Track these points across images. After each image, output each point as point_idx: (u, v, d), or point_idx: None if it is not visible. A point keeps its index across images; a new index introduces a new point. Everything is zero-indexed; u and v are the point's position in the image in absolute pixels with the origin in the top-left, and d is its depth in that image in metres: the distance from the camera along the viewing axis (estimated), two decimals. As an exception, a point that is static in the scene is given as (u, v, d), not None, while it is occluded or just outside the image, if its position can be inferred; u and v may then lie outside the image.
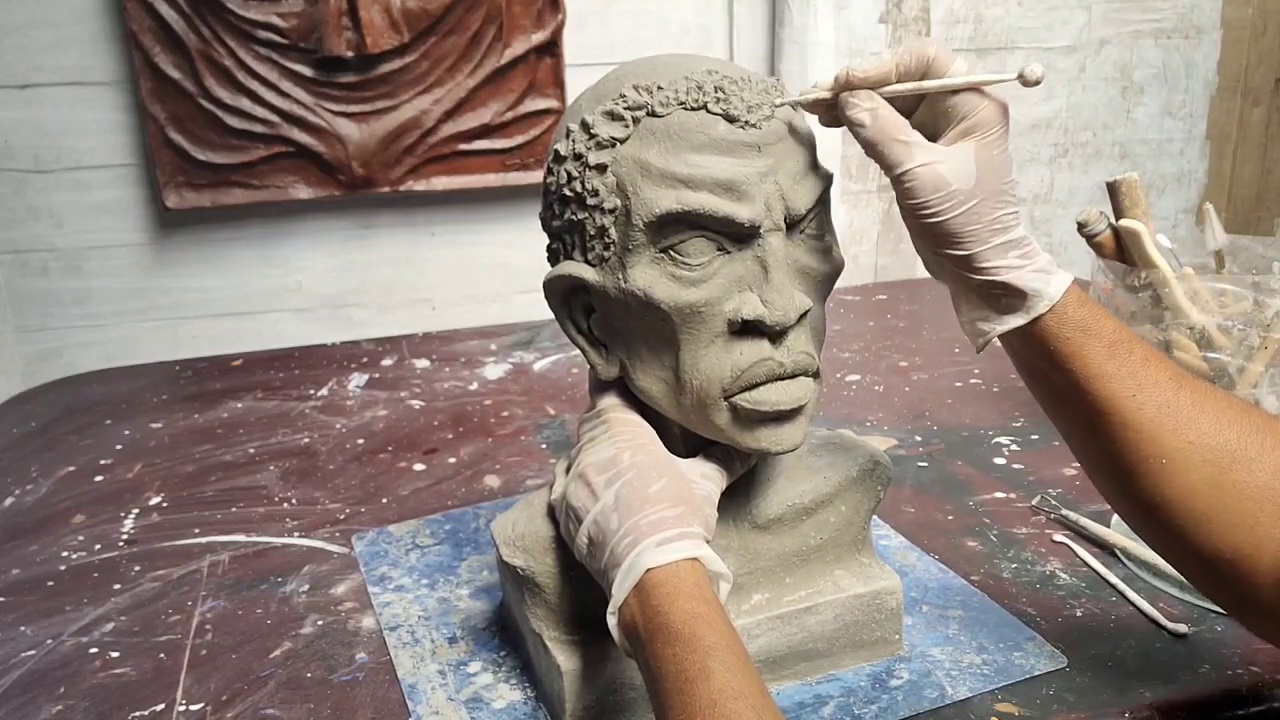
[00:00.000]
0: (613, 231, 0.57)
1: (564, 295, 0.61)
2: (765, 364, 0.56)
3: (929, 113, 0.56)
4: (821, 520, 0.66)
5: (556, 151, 0.59)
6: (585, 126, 0.57)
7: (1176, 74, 2.02)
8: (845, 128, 0.56)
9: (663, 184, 0.55)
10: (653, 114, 0.56)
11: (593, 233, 0.57)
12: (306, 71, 1.50)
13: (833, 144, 1.77)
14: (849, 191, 1.87)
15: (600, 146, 0.56)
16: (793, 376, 0.57)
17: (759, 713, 0.46)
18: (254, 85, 1.49)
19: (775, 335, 0.57)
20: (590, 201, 0.57)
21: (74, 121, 1.49)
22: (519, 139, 1.62)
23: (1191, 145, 2.08)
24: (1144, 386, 0.54)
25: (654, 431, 0.61)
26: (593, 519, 0.56)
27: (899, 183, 0.54)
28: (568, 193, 0.58)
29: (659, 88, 0.56)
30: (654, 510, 0.54)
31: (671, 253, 0.56)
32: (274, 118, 1.51)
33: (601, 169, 0.56)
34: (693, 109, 0.55)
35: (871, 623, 0.67)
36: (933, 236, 0.55)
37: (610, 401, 0.62)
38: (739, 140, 0.55)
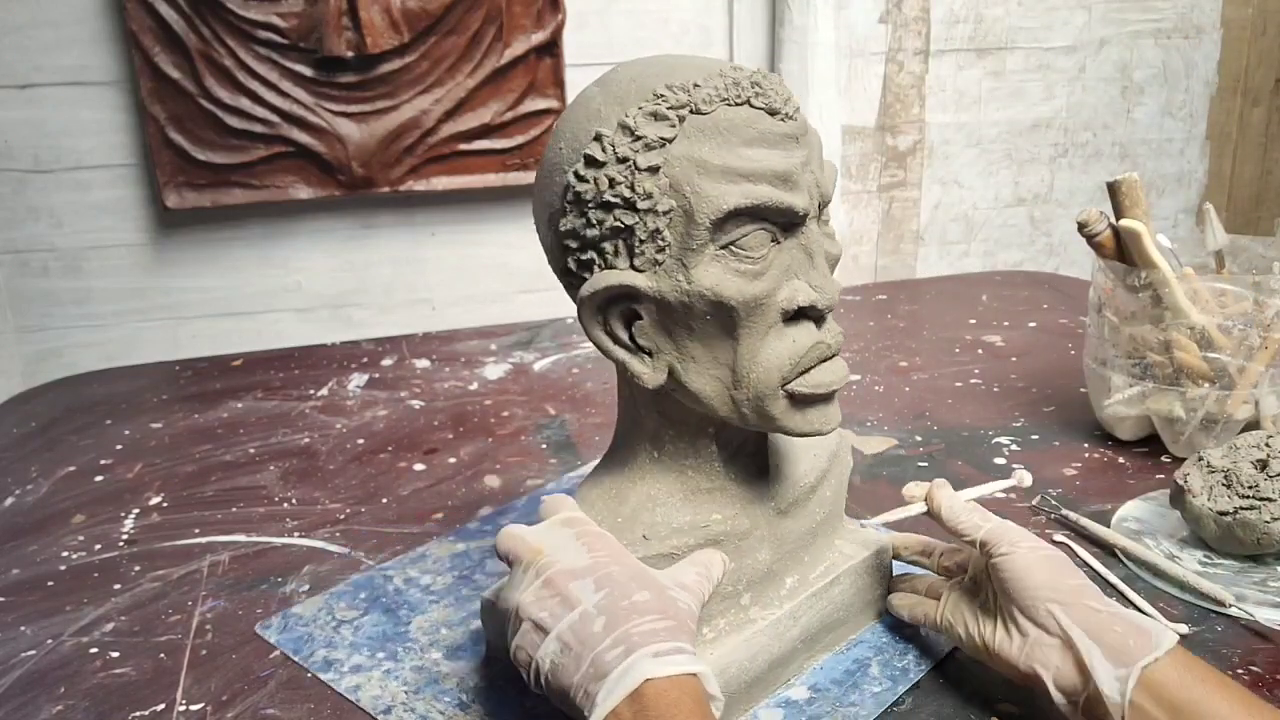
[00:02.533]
0: (667, 233, 0.56)
1: (601, 307, 0.59)
2: (818, 348, 0.59)
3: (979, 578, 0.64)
4: (821, 497, 0.68)
5: (589, 158, 0.56)
6: (626, 129, 0.56)
7: (1176, 74, 2.02)
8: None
9: (723, 180, 0.55)
10: (696, 111, 0.56)
11: (643, 237, 0.56)
12: (306, 71, 1.50)
13: (833, 144, 1.77)
14: (849, 191, 1.87)
15: (649, 148, 0.55)
16: (834, 356, 0.60)
17: None
18: (254, 85, 1.49)
19: (819, 318, 0.59)
20: (641, 205, 0.55)
21: (74, 121, 1.49)
22: (519, 139, 1.62)
23: (1191, 145, 2.08)
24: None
25: (620, 544, 0.59)
26: (568, 625, 0.52)
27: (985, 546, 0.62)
28: (611, 198, 0.56)
29: (696, 85, 0.56)
30: (643, 620, 0.52)
31: (733, 248, 0.56)
32: (274, 118, 1.51)
33: (654, 170, 0.55)
34: (736, 104, 0.56)
35: (875, 582, 0.71)
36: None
37: (576, 514, 0.60)
38: (782, 132, 0.57)
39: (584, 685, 0.50)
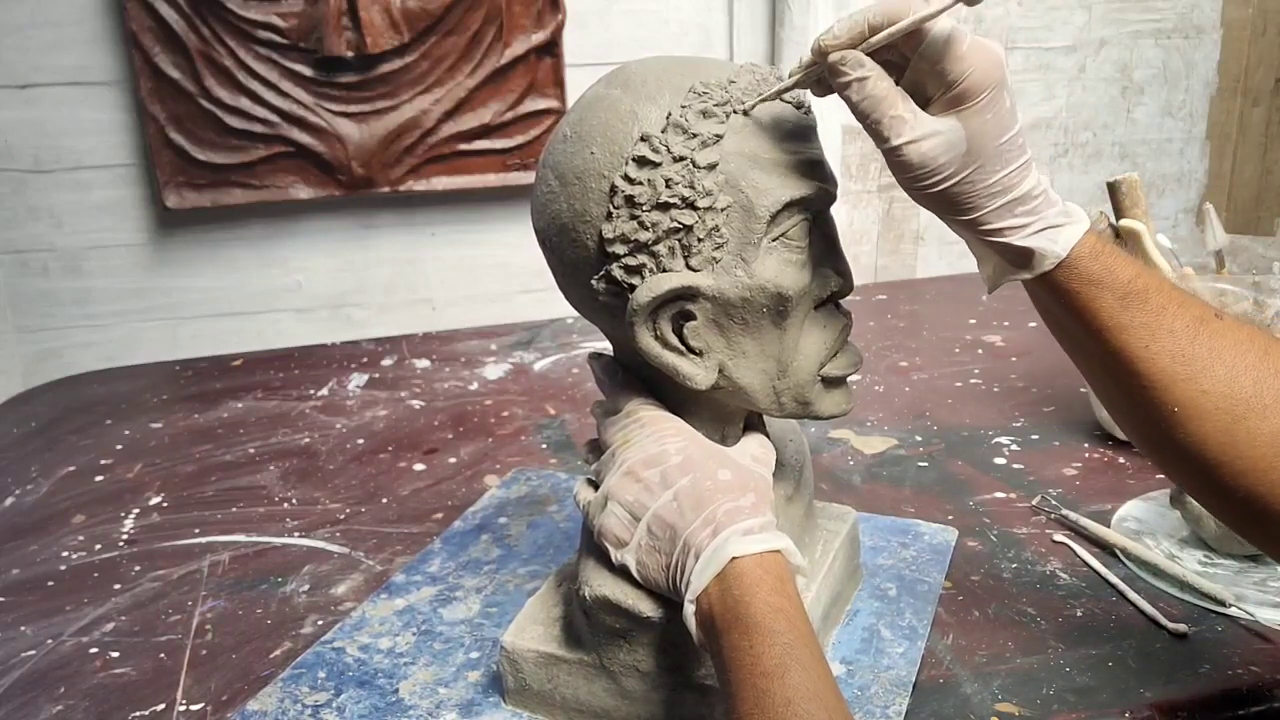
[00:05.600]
0: (725, 230, 0.56)
1: (652, 313, 0.57)
2: (845, 330, 0.61)
3: (918, 73, 0.53)
4: (805, 480, 0.70)
5: (641, 159, 0.55)
6: (679, 128, 0.55)
7: (1176, 74, 2.02)
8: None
9: (776, 172, 0.56)
10: (739, 108, 0.56)
11: (701, 235, 0.56)
12: (306, 71, 1.50)
13: (833, 144, 1.77)
14: (849, 191, 1.87)
15: (705, 145, 0.55)
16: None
17: (831, 715, 0.47)
18: (254, 85, 1.49)
19: (836, 301, 0.61)
20: (701, 203, 0.55)
21: (74, 121, 1.49)
22: (519, 139, 1.62)
23: (1191, 145, 2.08)
24: (1157, 336, 0.53)
25: (687, 425, 0.61)
26: (654, 513, 0.56)
27: (887, 156, 0.53)
28: (669, 199, 0.55)
29: (732, 81, 0.57)
30: (727, 499, 0.55)
31: (784, 239, 0.57)
32: (274, 118, 1.51)
33: (712, 167, 0.55)
34: (768, 100, 0.57)
35: (853, 553, 0.75)
36: (930, 204, 0.54)
37: (637, 402, 0.62)
38: (807, 125, 0.59)
39: (680, 563, 0.54)
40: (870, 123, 0.52)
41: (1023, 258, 0.54)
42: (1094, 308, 0.54)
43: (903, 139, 0.51)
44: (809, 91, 0.58)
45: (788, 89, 0.56)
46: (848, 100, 0.53)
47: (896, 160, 0.52)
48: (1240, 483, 0.52)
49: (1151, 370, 0.53)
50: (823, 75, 0.54)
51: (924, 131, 0.51)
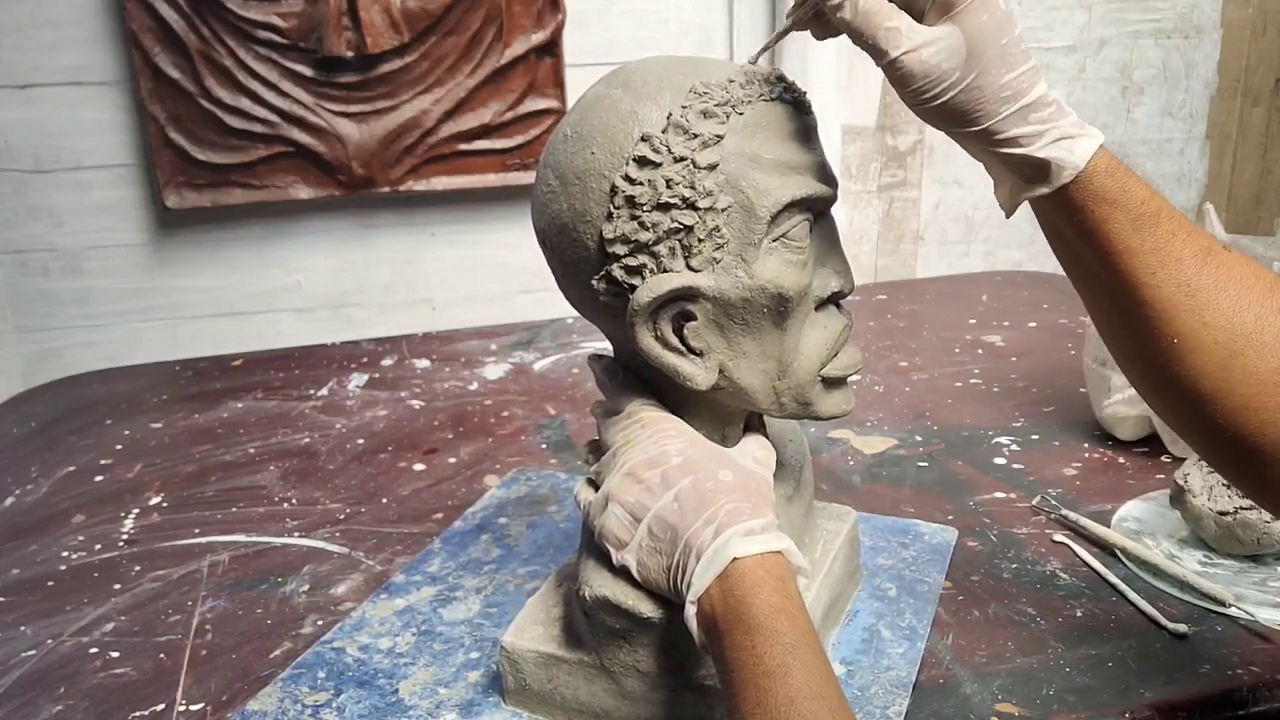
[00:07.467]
0: (725, 230, 0.56)
1: (652, 313, 0.57)
2: (845, 330, 0.61)
3: None
4: (805, 480, 0.70)
5: (642, 159, 0.55)
6: (680, 128, 0.55)
7: (1176, 74, 2.02)
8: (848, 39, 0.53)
9: (777, 173, 0.56)
10: (739, 108, 0.56)
11: (702, 236, 0.56)
12: (306, 71, 1.51)
13: (833, 144, 1.77)
14: (849, 191, 1.87)
15: (705, 145, 0.55)
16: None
17: (834, 714, 0.47)
18: (254, 85, 1.49)
19: (837, 302, 0.61)
20: (702, 203, 0.55)
21: (74, 121, 1.49)
22: (519, 139, 1.62)
23: (1191, 145, 2.08)
24: (1165, 264, 0.52)
25: (688, 425, 0.61)
26: (655, 514, 0.56)
27: (887, 71, 0.52)
28: (670, 199, 0.55)
29: (731, 81, 0.57)
30: (729, 500, 0.55)
31: (784, 239, 0.57)
32: (274, 118, 1.51)
33: (712, 167, 0.55)
34: (770, 100, 0.57)
35: (853, 554, 0.75)
36: (939, 118, 0.53)
37: (638, 403, 0.62)
38: (809, 125, 0.59)
39: (681, 564, 0.54)
40: (866, 40, 0.51)
41: (1039, 171, 0.53)
42: (1106, 229, 0.52)
43: (900, 50, 0.50)
44: (808, 96, 0.58)
45: (786, 32, 0.56)
46: (843, 24, 0.52)
47: (897, 74, 0.51)
48: (1231, 420, 0.52)
49: (1156, 298, 0.52)
50: (818, 9, 0.54)
51: (921, 40, 0.50)
